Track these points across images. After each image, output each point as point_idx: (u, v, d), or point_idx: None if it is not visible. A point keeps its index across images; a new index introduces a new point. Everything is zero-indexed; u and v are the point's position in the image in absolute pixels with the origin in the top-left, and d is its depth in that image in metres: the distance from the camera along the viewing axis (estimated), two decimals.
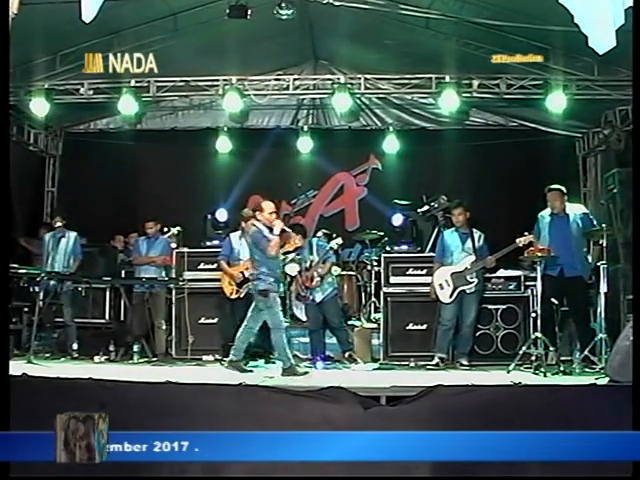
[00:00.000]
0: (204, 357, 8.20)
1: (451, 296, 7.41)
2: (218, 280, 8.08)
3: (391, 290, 8.14)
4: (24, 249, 9.62)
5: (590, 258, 7.26)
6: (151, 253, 8.53)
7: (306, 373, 6.56)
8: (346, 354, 7.68)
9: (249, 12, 7.67)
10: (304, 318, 8.71)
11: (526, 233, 7.16)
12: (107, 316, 8.78)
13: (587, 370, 6.51)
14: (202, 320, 8.51)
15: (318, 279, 7.71)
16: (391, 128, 10.79)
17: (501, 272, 8.14)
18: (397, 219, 9.74)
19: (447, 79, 8.57)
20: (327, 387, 4.71)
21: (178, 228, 9.07)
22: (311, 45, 10.00)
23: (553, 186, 7.11)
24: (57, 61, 8.73)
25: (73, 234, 8.50)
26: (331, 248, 7.77)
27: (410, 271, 8.21)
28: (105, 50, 8.14)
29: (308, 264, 7.77)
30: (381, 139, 10.82)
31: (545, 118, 9.69)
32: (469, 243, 7.52)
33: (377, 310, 8.76)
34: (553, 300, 6.87)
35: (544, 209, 7.20)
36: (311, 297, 7.72)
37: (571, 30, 5.07)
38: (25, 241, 9.71)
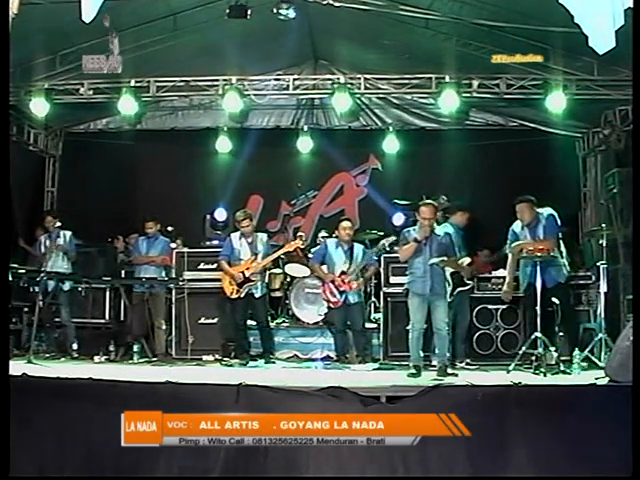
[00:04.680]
0: (204, 357, 8.21)
1: (450, 295, 7.43)
2: (218, 280, 8.08)
3: (391, 290, 8.14)
4: (24, 249, 9.61)
5: (566, 260, 7.13)
6: (151, 253, 8.53)
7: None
8: (358, 358, 7.65)
9: (249, 12, 7.66)
10: (304, 319, 8.72)
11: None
12: (107, 316, 8.79)
13: (587, 370, 6.50)
14: (202, 320, 8.52)
15: (359, 282, 7.70)
16: (391, 128, 10.80)
17: (501, 272, 8.14)
18: (397, 219, 9.77)
19: (447, 79, 8.56)
20: (327, 387, 4.72)
21: (179, 240, 9.17)
22: (311, 45, 9.99)
23: (522, 197, 7.02)
24: (57, 61, 8.72)
25: (68, 233, 8.51)
26: (384, 248, 7.71)
27: None
28: (105, 50, 8.13)
29: (346, 267, 7.69)
30: (381, 139, 10.82)
31: (545, 118, 9.68)
32: (465, 243, 7.59)
33: (377, 310, 8.76)
34: (554, 300, 6.86)
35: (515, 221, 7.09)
36: (342, 300, 7.64)
37: (571, 30, 5.07)
38: (24, 242, 9.72)
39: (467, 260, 7.53)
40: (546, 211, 6.99)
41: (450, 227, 7.69)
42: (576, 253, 9.01)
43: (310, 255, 9.14)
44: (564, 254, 6.97)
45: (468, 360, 7.54)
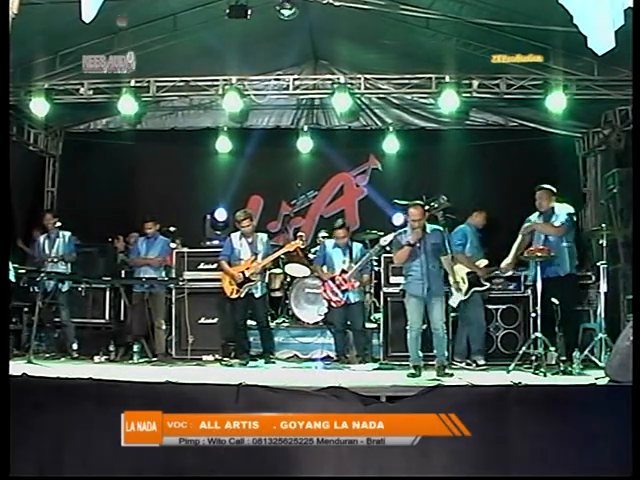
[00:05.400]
0: (204, 357, 8.21)
1: (465, 294, 7.45)
2: (218, 280, 8.08)
3: (391, 290, 8.14)
4: (21, 250, 9.60)
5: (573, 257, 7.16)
6: (150, 253, 8.50)
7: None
8: (358, 358, 7.64)
9: (249, 12, 7.66)
10: (304, 319, 8.72)
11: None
12: (107, 316, 8.78)
13: (587, 370, 6.50)
14: (202, 320, 8.51)
15: (362, 280, 7.73)
16: (391, 128, 10.79)
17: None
18: (397, 219, 9.78)
19: (447, 79, 8.56)
20: (327, 387, 4.72)
21: (178, 240, 9.16)
22: (311, 45, 9.99)
23: (541, 185, 7.08)
24: (57, 61, 8.71)
25: (67, 233, 8.50)
26: (382, 247, 7.68)
27: None
28: (105, 50, 8.14)
29: (346, 267, 7.67)
30: (381, 139, 10.82)
31: (545, 118, 9.68)
32: (482, 244, 7.64)
33: (377, 310, 8.76)
34: (553, 300, 6.86)
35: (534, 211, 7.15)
36: (344, 299, 7.62)
37: (571, 30, 5.07)
38: (23, 242, 9.71)
39: (484, 262, 7.57)
40: (564, 207, 7.06)
41: (468, 228, 7.68)
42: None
43: (310, 255, 9.16)
44: (574, 250, 6.97)
45: (468, 360, 7.53)
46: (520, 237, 7.13)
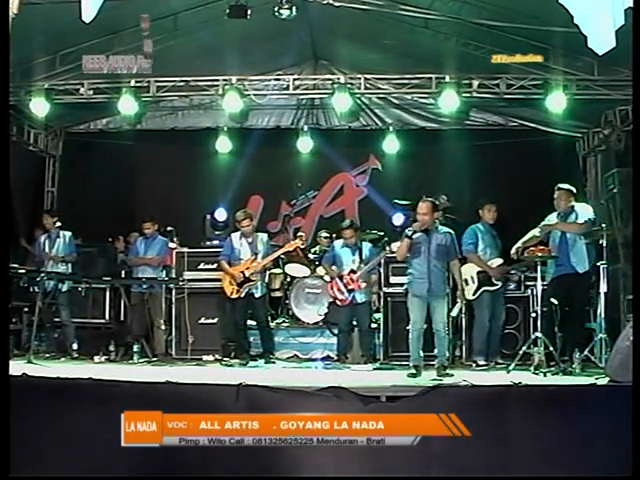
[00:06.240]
0: (204, 357, 8.22)
1: (474, 294, 7.43)
2: (218, 280, 8.08)
3: (391, 290, 8.14)
4: (24, 249, 9.61)
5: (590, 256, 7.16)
6: (149, 253, 8.50)
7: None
8: (364, 358, 7.63)
9: (249, 12, 7.66)
10: (304, 319, 8.72)
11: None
12: (107, 316, 8.78)
13: (587, 370, 6.50)
14: (202, 320, 8.52)
15: (369, 280, 7.71)
16: (391, 128, 10.80)
17: None
18: (397, 219, 9.78)
19: (447, 79, 8.57)
20: (327, 387, 4.72)
21: (176, 239, 9.16)
22: (311, 45, 10.00)
23: (560, 185, 7.06)
24: (57, 61, 8.72)
25: (68, 233, 8.50)
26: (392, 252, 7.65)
27: None
28: (105, 50, 8.15)
29: (356, 266, 7.65)
30: (381, 139, 10.83)
31: (545, 118, 9.69)
32: (498, 242, 7.58)
33: (377, 310, 8.76)
34: (553, 300, 6.85)
35: (552, 211, 7.12)
36: (350, 299, 7.61)
37: (571, 30, 5.07)
38: (26, 241, 9.72)
39: (498, 261, 7.50)
40: (585, 206, 7.06)
41: (480, 227, 7.59)
42: None
43: (310, 255, 9.15)
44: (592, 250, 6.95)
45: (477, 360, 7.50)
46: (535, 232, 7.09)
